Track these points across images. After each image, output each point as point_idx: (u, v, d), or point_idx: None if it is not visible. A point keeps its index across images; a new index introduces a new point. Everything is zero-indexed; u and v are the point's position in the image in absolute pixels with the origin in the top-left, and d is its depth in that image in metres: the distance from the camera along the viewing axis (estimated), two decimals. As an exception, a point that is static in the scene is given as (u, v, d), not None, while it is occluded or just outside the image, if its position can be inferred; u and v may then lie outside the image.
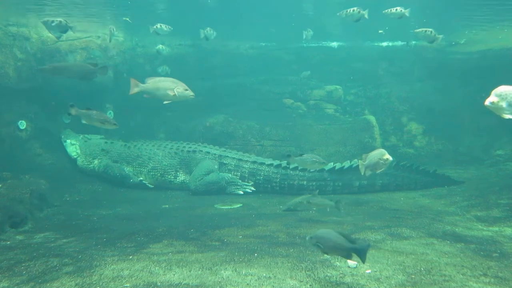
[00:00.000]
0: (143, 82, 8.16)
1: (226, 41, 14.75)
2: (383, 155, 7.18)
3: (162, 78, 8.29)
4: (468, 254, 6.12)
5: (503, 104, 6.00)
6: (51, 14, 12.66)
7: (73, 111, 7.29)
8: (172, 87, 8.02)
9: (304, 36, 12.91)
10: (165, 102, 8.32)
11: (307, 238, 5.12)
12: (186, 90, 8.08)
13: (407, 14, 9.48)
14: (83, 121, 7.40)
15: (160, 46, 13.67)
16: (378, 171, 7.47)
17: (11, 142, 11.32)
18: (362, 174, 7.53)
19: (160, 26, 10.91)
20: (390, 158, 7.19)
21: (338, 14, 9.50)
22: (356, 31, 14.86)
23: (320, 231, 5.13)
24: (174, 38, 15.90)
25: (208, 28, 11.24)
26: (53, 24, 8.56)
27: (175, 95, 7.98)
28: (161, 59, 14.74)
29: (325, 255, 5.59)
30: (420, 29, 9.56)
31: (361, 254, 4.82)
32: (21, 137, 11.66)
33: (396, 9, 9.55)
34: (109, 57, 13.36)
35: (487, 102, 6.03)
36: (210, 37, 11.38)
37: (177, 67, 15.07)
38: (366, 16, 9.33)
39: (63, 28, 9.04)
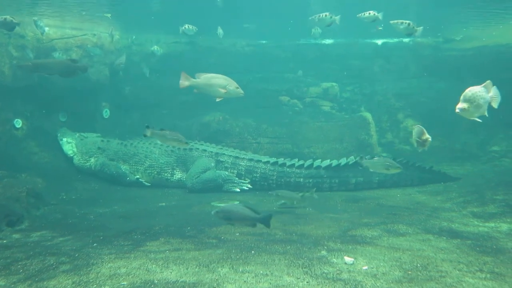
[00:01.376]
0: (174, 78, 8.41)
1: (222, 38, 14.71)
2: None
3: (214, 75, 8.45)
4: (464, 250, 6.15)
5: (472, 108, 6.30)
6: (44, 13, 12.64)
7: (148, 133, 7.36)
8: (225, 84, 8.19)
9: (312, 33, 13.03)
10: (217, 100, 8.57)
11: (212, 213, 5.66)
12: (237, 88, 8.29)
13: (380, 17, 9.60)
14: (159, 141, 7.62)
15: (155, 47, 13.68)
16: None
17: (7, 141, 11.29)
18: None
19: (188, 26, 11.40)
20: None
21: (310, 18, 9.55)
22: (353, 28, 14.87)
23: (226, 205, 5.82)
24: (170, 35, 15.87)
25: (187, 25, 11.58)
26: None
27: (226, 92, 8.16)
28: (156, 59, 14.76)
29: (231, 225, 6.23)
30: (395, 21, 9.29)
31: (265, 223, 5.71)
32: (17, 135, 11.64)
33: (370, 13, 9.63)
34: (108, 57, 13.33)
35: (457, 109, 6.30)
36: (189, 33, 11.70)
37: (173, 64, 15.06)
38: (337, 22, 9.41)
39: (8, 26, 9.05)
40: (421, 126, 7.27)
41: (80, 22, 13.61)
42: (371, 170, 8.49)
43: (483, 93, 6.40)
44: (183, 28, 11.72)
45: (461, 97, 6.38)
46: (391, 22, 9.33)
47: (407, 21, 9.21)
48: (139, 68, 14.38)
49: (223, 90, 8.17)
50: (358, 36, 16.46)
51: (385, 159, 8.61)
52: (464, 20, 15.20)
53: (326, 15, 9.47)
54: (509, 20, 15.03)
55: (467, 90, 6.34)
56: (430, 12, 14.37)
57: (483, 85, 6.40)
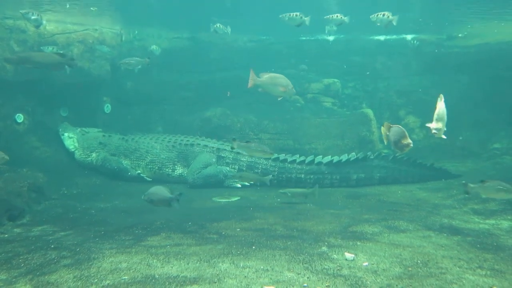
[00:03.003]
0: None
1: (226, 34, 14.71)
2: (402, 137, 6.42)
3: (277, 75, 8.63)
4: (465, 247, 6.16)
5: (442, 126, 6.17)
6: (47, 8, 12.62)
7: (235, 145, 7.64)
8: (285, 84, 8.44)
9: (327, 31, 13.16)
10: (279, 99, 9.06)
11: (142, 197, 6.70)
12: (293, 88, 8.59)
13: (346, 21, 9.76)
14: (245, 153, 7.74)
15: (153, 47, 13.62)
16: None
17: (8, 136, 11.29)
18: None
19: (219, 25, 11.68)
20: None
21: (280, 16, 9.64)
22: (355, 24, 14.84)
23: (151, 189, 6.82)
24: (171, 30, 15.84)
25: (219, 24, 11.81)
26: None
27: (285, 91, 8.48)
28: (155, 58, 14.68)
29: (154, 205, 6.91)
30: (373, 15, 9.37)
31: (176, 201, 6.65)
32: (19, 130, 11.63)
33: (337, 16, 9.81)
34: (114, 52, 13.29)
35: (433, 130, 6.11)
36: (220, 32, 11.89)
37: (173, 60, 15.05)
38: (307, 23, 9.50)
39: (36, 22, 9.06)
40: (402, 127, 6.44)
41: (81, 16, 13.58)
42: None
43: (445, 109, 6.27)
44: (215, 26, 11.84)
45: (435, 116, 6.20)
46: (371, 16, 9.44)
47: (383, 12, 9.28)
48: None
49: (283, 89, 8.44)
50: (360, 32, 16.42)
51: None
52: (466, 17, 15.15)
53: (296, 15, 9.59)
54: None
55: (438, 109, 6.20)
56: (433, 9, 14.34)
57: (442, 100, 6.28)
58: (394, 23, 9.26)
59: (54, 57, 8.03)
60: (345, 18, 9.73)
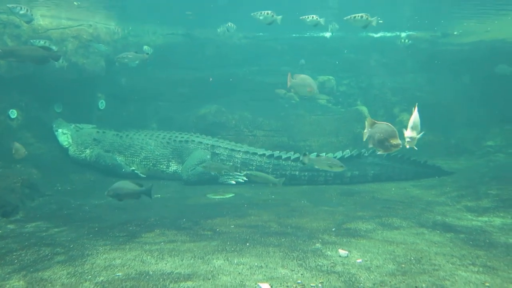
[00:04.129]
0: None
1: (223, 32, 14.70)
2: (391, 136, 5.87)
3: (306, 76, 9.07)
4: (458, 244, 6.19)
5: (416, 135, 5.89)
6: (41, 2, 12.54)
7: (306, 160, 7.64)
8: (313, 86, 8.88)
9: (330, 29, 13.55)
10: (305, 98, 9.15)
11: (105, 194, 6.62)
12: (317, 89, 9.07)
13: (322, 23, 10.04)
14: (316, 166, 7.73)
15: (145, 47, 13.56)
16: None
17: (2, 131, 11.22)
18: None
19: (230, 24, 11.97)
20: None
21: (252, 14, 9.78)
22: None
23: (115, 184, 6.76)
24: (165, 26, 15.80)
25: (229, 23, 12.09)
26: None
27: (311, 91, 8.92)
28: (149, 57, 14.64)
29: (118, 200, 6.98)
30: (349, 16, 9.48)
31: (147, 194, 6.75)
32: (12, 126, 11.57)
33: (312, 17, 10.02)
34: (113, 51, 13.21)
35: (407, 139, 5.84)
36: (230, 30, 12.33)
37: (168, 56, 15.01)
38: (279, 21, 9.68)
39: (26, 18, 9.00)
40: (391, 126, 5.95)
41: (76, 12, 13.51)
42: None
43: (418, 118, 5.99)
44: (227, 25, 12.10)
45: (409, 125, 5.95)
46: (345, 18, 9.57)
47: (361, 14, 9.39)
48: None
49: (309, 90, 8.85)
50: (356, 29, 16.45)
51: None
52: (461, 15, 15.20)
53: (268, 13, 9.72)
54: (506, 16, 15.05)
55: (413, 117, 5.94)
56: (428, 6, 14.37)
57: (416, 109, 6.02)
58: (374, 24, 9.37)
59: (39, 51, 7.96)
60: (321, 19, 9.98)
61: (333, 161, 7.60)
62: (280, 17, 9.72)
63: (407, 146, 6.03)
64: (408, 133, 5.88)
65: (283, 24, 10.17)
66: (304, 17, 10.02)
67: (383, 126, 5.93)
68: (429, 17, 15.90)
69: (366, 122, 6.28)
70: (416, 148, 6.07)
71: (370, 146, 6.18)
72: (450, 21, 16.69)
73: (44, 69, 11.21)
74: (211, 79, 14.34)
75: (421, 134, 6.06)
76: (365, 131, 6.27)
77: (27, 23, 10.58)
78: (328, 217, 7.71)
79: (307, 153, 7.45)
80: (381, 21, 13.06)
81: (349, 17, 9.39)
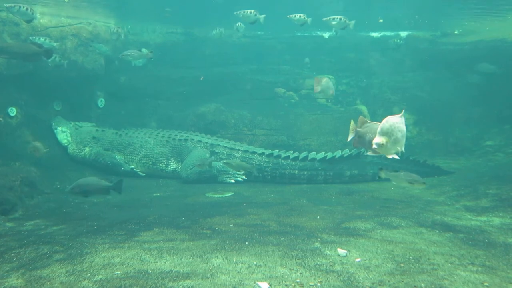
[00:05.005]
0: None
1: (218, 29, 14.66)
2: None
3: (327, 79, 9.59)
4: (457, 243, 6.19)
5: (390, 144, 5.24)
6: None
7: (382, 174, 6.95)
8: (333, 87, 9.47)
9: (334, 30, 13.88)
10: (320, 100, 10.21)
11: (67, 190, 6.37)
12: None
13: (309, 22, 10.15)
14: (394, 182, 7.18)
15: (143, 50, 13.53)
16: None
17: (1, 129, 11.21)
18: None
19: (239, 24, 12.19)
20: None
21: (235, 13, 9.88)
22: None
23: (80, 180, 6.58)
24: (165, 25, 15.79)
25: (239, 23, 12.23)
26: None
27: (333, 93, 9.53)
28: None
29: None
30: (327, 18, 9.76)
31: (117, 189, 6.59)
32: (11, 124, 11.55)
33: (300, 16, 10.13)
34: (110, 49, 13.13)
35: (374, 145, 5.26)
36: (240, 30, 12.45)
37: (168, 55, 15.01)
38: (261, 20, 9.80)
39: (27, 16, 8.95)
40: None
41: (75, 10, 13.49)
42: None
43: (401, 124, 5.24)
44: (237, 25, 12.21)
45: (378, 129, 5.24)
46: (324, 19, 9.67)
47: (339, 16, 9.70)
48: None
49: (332, 92, 9.34)
50: (355, 28, 16.46)
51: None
52: (461, 14, 15.21)
53: (251, 12, 9.79)
54: (506, 16, 15.06)
55: (384, 121, 5.24)
56: (428, 5, 14.37)
57: (400, 114, 5.32)
58: (351, 27, 9.79)
59: (30, 48, 7.91)
60: (308, 19, 10.11)
61: (414, 177, 6.74)
62: (263, 16, 9.83)
63: (369, 153, 5.65)
64: (376, 139, 5.25)
65: (283, 24, 10.22)
66: (291, 15, 10.11)
67: (376, 126, 5.53)
68: (429, 17, 15.90)
69: (352, 123, 5.97)
70: (397, 157, 5.43)
71: (358, 146, 5.76)
72: (450, 20, 16.69)
73: (43, 67, 11.19)
74: (202, 78, 14.35)
75: (400, 150, 5.35)
76: (352, 130, 5.99)
77: (28, 22, 10.37)
78: (327, 216, 7.71)
79: (383, 167, 6.73)
80: (381, 20, 13.12)
81: (328, 18, 9.55)
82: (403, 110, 5.75)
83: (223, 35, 13.76)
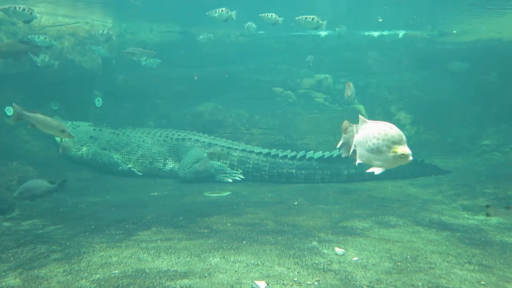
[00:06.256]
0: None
1: (216, 28, 14.63)
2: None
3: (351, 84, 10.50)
4: (454, 242, 6.21)
5: (349, 150, 4.67)
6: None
7: (491, 212, 6.46)
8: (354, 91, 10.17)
9: (338, 32, 13.93)
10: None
11: (14, 195, 6.31)
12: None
13: (280, 21, 10.35)
14: (506, 221, 6.37)
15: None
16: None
17: (-2, 129, 11.22)
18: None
19: (250, 24, 12.29)
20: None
21: (207, 13, 9.95)
22: (347, 20, 14.89)
23: (25, 184, 6.39)
24: (163, 24, 15.76)
25: (250, 22, 12.36)
26: None
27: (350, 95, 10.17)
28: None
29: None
30: (300, 17, 9.86)
31: (62, 189, 6.58)
32: (9, 123, 11.55)
33: (271, 15, 10.31)
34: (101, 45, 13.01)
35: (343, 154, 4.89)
36: (251, 30, 12.61)
37: (165, 54, 14.97)
38: (234, 17, 9.88)
39: (26, 17, 8.90)
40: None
41: (72, 9, 13.47)
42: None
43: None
44: (247, 25, 12.35)
45: (354, 141, 4.56)
46: (297, 18, 9.76)
47: (312, 16, 9.77)
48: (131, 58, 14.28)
49: (349, 93, 9.82)
50: (352, 28, 16.48)
51: None
52: (459, 13, 15.24)
53: (222, 10, 9.89)
54: (503, 15, 15.10)
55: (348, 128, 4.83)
56: (426, 5, 14.40)
57: (361, 123, 4.42)
58: (323, 27, 9.93)
59: (18, 46, 7.85)
60: (279, 18, 10.30)
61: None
62: (234, 12, 9.96)
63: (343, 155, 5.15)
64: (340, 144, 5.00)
65: (284, 23, 10.31)
66: (263, 14, 10.32)
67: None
68: (426, 16, 15.93)
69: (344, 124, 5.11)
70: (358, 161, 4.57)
71: (346, 155, 5.03)
72: (448, 20, 16.72)
73: (40, 67, 11.17)
74: (196, 77, 14.35)
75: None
76: (345, 129, 5.10)
77: (27, 23, 10.09)
78: (325, 215, 7.71)
79: (490, 204, 5.95)
80: (380, 20, 13.14)
81: (300, 17, 9.64)
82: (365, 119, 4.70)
83: (212, 40, 13.72)
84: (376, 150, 4.16)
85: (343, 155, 5.15)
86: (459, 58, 15.16)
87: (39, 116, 7.19)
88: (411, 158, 4.02)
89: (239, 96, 14.73)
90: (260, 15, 10.38)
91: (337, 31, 13.88)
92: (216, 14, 10.09)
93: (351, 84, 9.77)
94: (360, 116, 4.46)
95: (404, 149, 4.02)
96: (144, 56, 11.37)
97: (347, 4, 14.30)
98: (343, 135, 5.08)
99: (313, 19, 9.74)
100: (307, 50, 16.39)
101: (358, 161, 4.50)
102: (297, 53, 16.12)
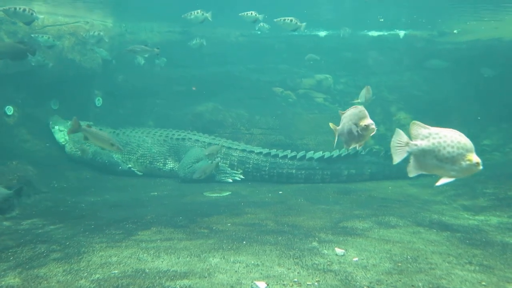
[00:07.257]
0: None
1: (216, 28, 14.61)
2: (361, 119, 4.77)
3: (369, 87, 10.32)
4: (454, 243, 6.20)
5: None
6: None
7: None
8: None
9: (342, 34, 14.02)
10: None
11: None
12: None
13: (260, 18, 10.35)
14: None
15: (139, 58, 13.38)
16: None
17: (-2, 128, 11.21)
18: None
19: (262, 25, 12.19)
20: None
21: (182, 16, 10.06)
22: (349, 20, 14.89)
23: None
24: (163, 24, 15.74)
25: (262, 23, 12.19)
26: None
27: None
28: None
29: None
30: (279, 19, 9.92)
31: (18, 194, 6.87)
32: (9, 123, 11.54)
33: (251, 13, 10.29)
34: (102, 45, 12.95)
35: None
36: (264, 31, 12.63)
37: (166, 54, 14.95)
38: (209, 18, 9.99)
39: (27, 18, 8.87)
40: (360, 107, 4.91)
41: (72, 9, 13.45)
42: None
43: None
44: (260, 25, 12.27)
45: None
46: (275, 20, 9.78)
47: (291, 18, 9.86)
48: (132, 57, 14.26)
49: (362, 98, 9.85)
50: (352, 27, 16.47)
51: None
52: (459, 13, 15.23)
53: (198, 12, 9.98)
54: (504, 16, 15.09)
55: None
56: (426, 5, 14.39)
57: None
58: (302, 29, 10.07)
59: (15, 46, 7.83)
60: (259, 16, 10.29)
61: None
62: (209, 13, 10.00)
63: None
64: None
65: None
66: (242, 13, 10.32)
67: (350, 111, 5.01)
68: (427, 16, 15.91)
69: (330, 125, 5.41)
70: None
71: (347, 146, 5.17)
72: (448, 19, 16.71)
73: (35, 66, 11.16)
74: (194, 88, 14.36)
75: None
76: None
77: (28, 24, 9.88)
78: (325, 215, 7.71)
79: None
80: (382, 19, 13.12)
81: (279, 19, 9.67)
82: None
83: (204, 46, 13.67)
84: (451, 160, 4.11)
85: (349, 148, 5.22)
86: (459, 58, 15.13)
87: (93, 130, 7.64)
88: (481, 166, 3.99)
89: (239, 96, 14.71)
90: (240, 14, 10.39)
91: (341, 33, 13.85)
92: (192, 17, 10.16)
93: (370, 88, 9.88)
94: (415, 122, 4.41)
95: (476, 157, 4.01)
96: (146, 54, 11.34)
97: (350, 4, 14.30)
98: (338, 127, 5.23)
99: (291, 20, 9.80)
100: (307, 50, 16.33)
101: (408, 169, 4.60)
102: (297, 53, 16.08)
